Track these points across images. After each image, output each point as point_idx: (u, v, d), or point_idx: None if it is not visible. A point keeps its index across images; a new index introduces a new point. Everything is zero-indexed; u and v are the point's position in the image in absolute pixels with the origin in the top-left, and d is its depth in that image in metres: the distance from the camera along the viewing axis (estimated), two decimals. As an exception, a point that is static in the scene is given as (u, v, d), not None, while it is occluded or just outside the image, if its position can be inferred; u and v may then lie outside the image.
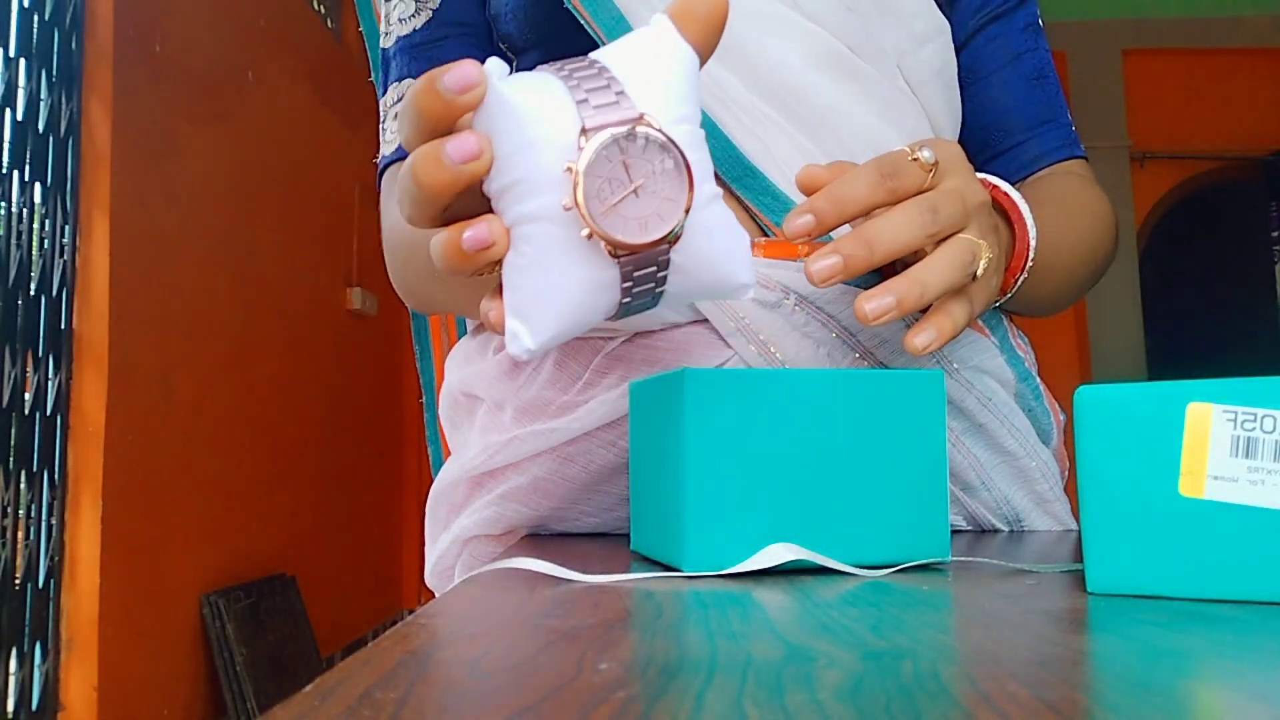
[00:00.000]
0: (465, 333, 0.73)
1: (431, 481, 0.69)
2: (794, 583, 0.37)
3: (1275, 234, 4.53)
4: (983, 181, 0.51)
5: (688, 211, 0.35)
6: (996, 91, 0.68)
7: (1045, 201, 0.60)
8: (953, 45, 0.66)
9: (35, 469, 1.95)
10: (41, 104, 1.99)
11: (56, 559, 1.97)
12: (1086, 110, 4.21)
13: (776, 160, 0.57)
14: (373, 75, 0.73)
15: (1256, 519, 0.31)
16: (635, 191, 0.34)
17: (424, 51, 0.65)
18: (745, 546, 0.39)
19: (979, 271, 0.45)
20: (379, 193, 0.67)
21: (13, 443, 1.88)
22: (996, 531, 0.59)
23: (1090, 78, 4.34)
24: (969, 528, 0.60)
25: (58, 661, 1.96)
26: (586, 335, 0.58)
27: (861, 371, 0.41)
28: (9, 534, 1.87)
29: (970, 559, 0.43)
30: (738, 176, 0.57)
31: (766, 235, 0.57)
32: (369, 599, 3.63)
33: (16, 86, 1.94)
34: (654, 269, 0.36)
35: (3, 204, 1.92)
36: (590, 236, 0.34)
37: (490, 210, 0.36)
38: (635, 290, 0.36)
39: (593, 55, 0.37)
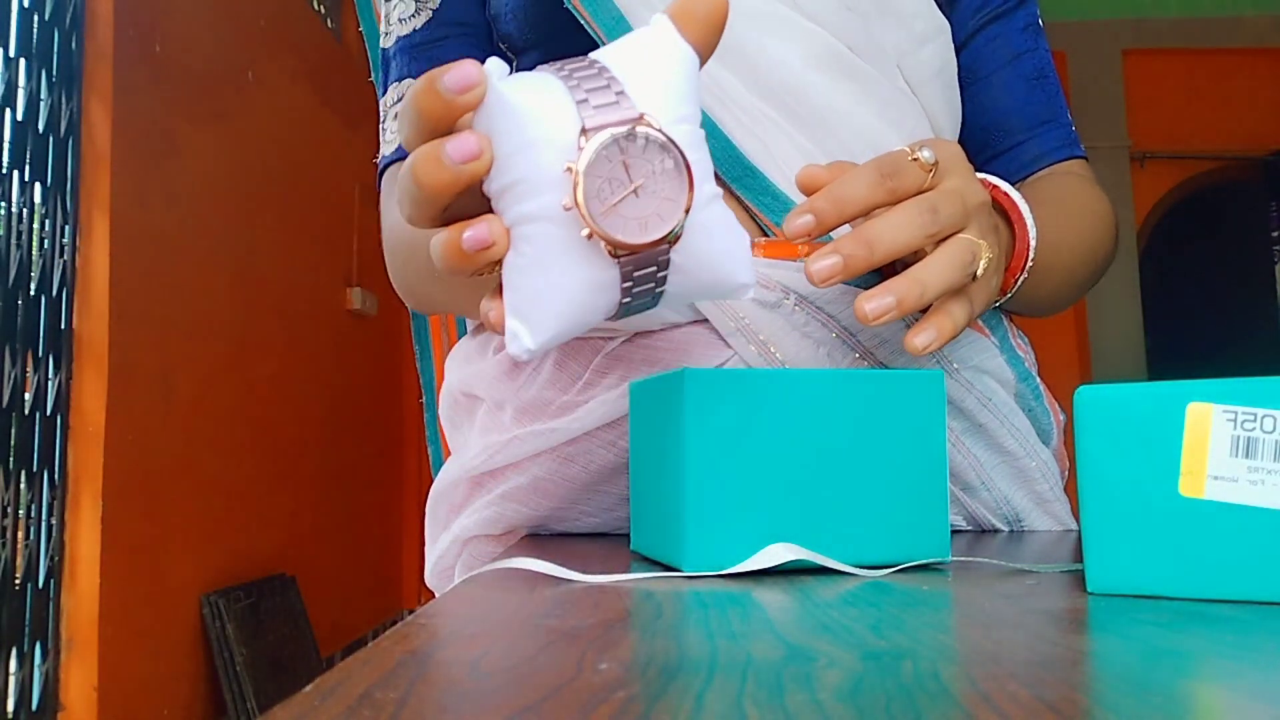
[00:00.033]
0: (465, 333, 0.73)
1: (431, 481, 0.69)
2: (794, 583, 0.37)
3: (1275, 234, 4.53)
4: (983, 181, 0.51)
5: (688, 211, 0.35)
6: (996, 91, 0.68)
7: (1045, 201, 0.60)
8: (953, 45, 0.66)
9: (35, 469, 1.95)
10: (41, 104, 1.99)
11: (56, 559, 1.97)
12: (1086, 110, 4.21)
13: (776, 160, 0.57)
14: (373, 75, 0.73)
15: (1256, 519, 0.31)
16: (635, 191, 0.34)
17: (424, 52, 0.65)
18: (745, 546, 0.39)
19: (979, 271, 0.45)
20: (379, 193, 0.67)
21: (13, 443, 1.89)
22: (996, 531, 0.59)
23: (1090, 78, 4.34)
24: (969, 528, 0.60)
25: (58, 661, 1.96)
26: (586, 335, 0.58)
27: (861, 371, 0.41)
28: (9, 534, 1.87)
29: (970, 559, 0.43)
30: (738, 176, 0.57)
31: (766, 235, 0.57)
32: (369, 599, 3.63)
33: (16, 86, 1.94)
34: (654, 269, 0.36)
35: (3, 204, 1.92)
36: (590, 236, 0.34)
37: (490, 210, 0.36)
38: (635, 290, 0.36)
39: (593, 55, 0.37)
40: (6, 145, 1.92)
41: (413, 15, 0.65)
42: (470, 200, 0.36)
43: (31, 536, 1.93)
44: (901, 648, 0.25)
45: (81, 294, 2.05)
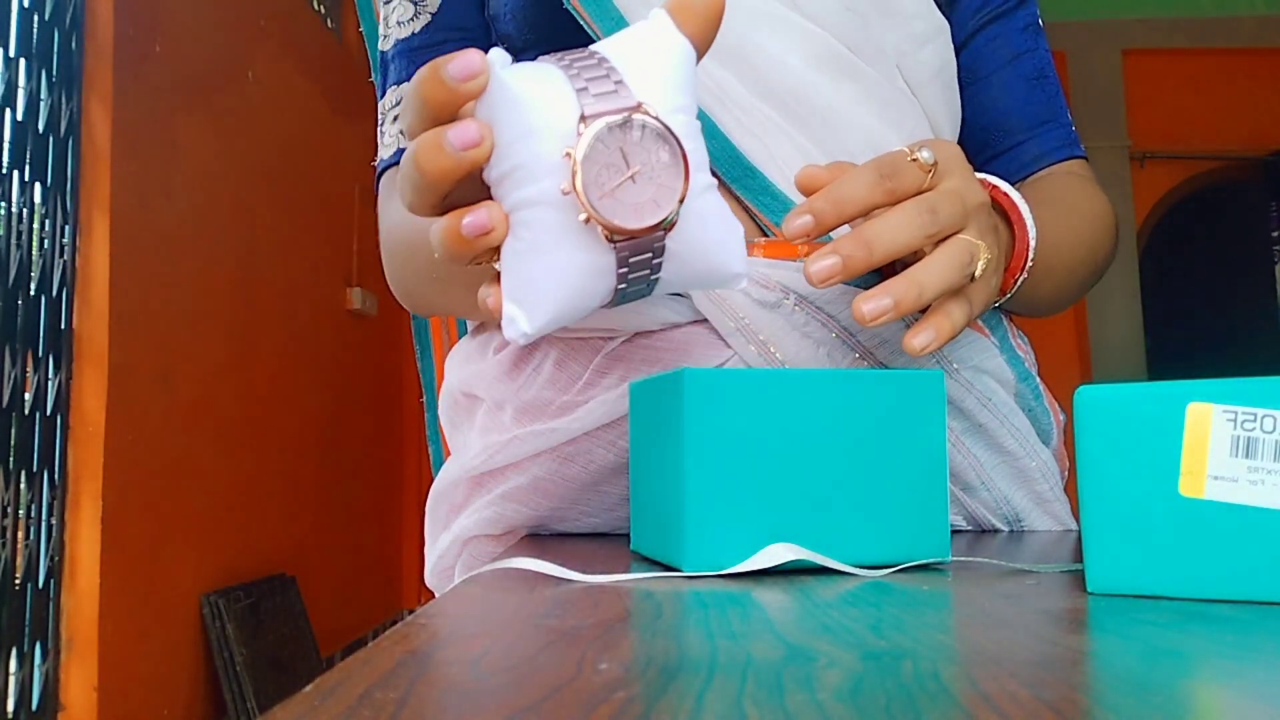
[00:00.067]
0: (465, 333, 0.73)
1: (431, 481, 0.69)
2: (794, 583, 0.37)
3: (1275, 234, 4.53)
4: (982, 182, 0.51)
5: (683, 199, 0.36)
6: (996, 92, 0.68)
7: (1045, 201, 0.60)
8: (952, 46, 0.66)
9: (35, 469, 1.94)
10: (41, 104, 1.99)
11: (56, 559, 1.97)
12: (1086, 110, 4.21)
13: (776, 160, 0.57)
14: (373, 76, 0.73)
15: (1256, 519, 0.31)
16: (632, 178, 0.35)
17: (422, 55, 0.65)
18: (745, 546, 0.39)
19: (978, 272, 0.46)
20: (377, 196, 0.67)
21: (13, 443, 1.88)
22: (996, 531, 0.59)
23: (1090, 78, 4.34)
24: (969, 528, 0.60)
25: (58, 661, 1.96)
26: (586, 335, 0.58)
27: (861, 371, 0.41)
28: (9, 534, 1.87)
29: (970, 559, 0.43)
30: (737, 176, 0.57)
31: (766, 235, 0.57)
32: (369, 599, 3.63)
33: (16, 86, 1.94)
34: (649, 255, 0.37)
35: (3, 204, 1.92)
36: (588, 221, 0.35)
37: (490, 199, 0.36)
38: (631, 276, 0.37)
39: (592, 47, 0.37)
40: (6, 145, 1.92)
41: (411, 19, 0.65)
42: (470, 189, 0.37)
43: (31, 536, 1.93)
44: (901, 648, 0.25)
45: (81, 294, 2.05)
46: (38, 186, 1.99)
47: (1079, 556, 0.44)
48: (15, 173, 1.93)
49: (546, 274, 0.36)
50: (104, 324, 2.05)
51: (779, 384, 0.40)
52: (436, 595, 0.44)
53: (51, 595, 1.96)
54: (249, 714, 2.31)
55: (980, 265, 0.45)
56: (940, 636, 0.26)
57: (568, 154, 0.34)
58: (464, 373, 0.65)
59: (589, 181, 0.34)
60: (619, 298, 0.38)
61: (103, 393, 2.03)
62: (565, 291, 0.37)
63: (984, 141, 0.69)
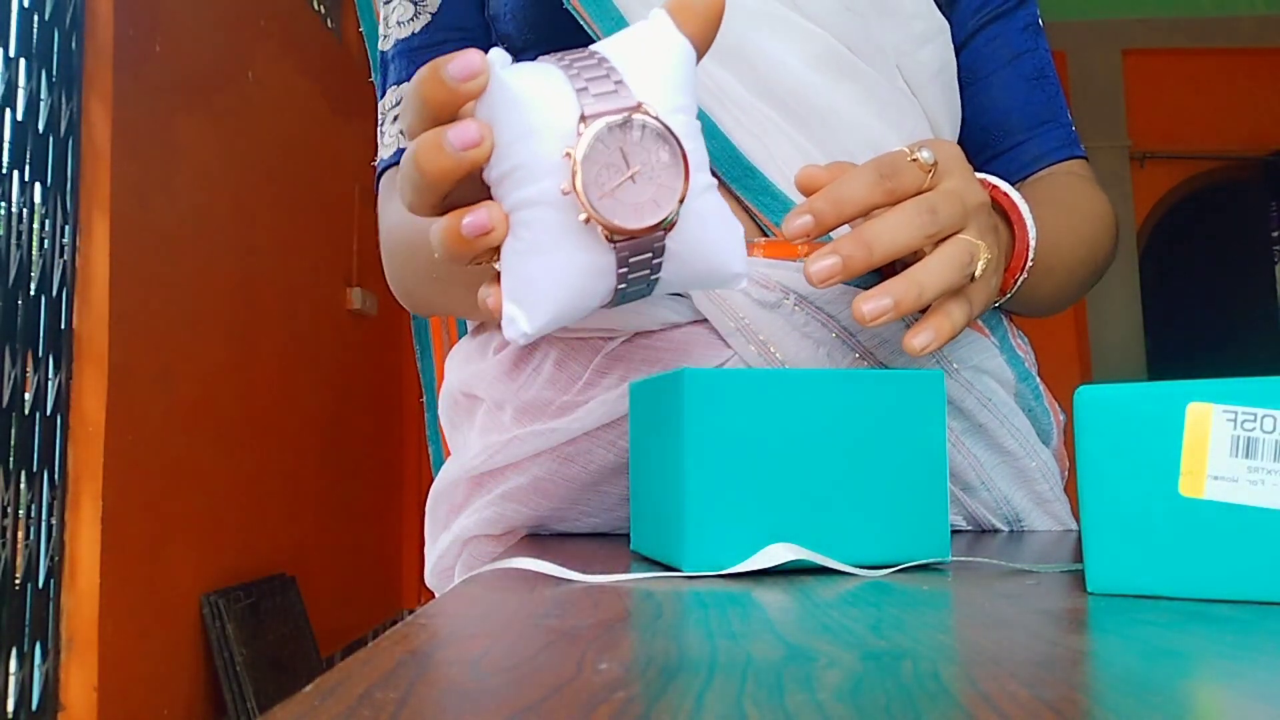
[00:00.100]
0: (465, 333, 0.73)
1: (431, 481, 0.69)
2: (794, 583, 0.37)
3: (1275, 234, 4.53)
4: (982, 182, 0.51)
5: (683, 199, 0.36)
6: (996, 92, 0.68)
7: (1045, 201, 0.60)
8: (952, 46, 0.66)
9: (35, 469, 1.94)
10: (41, 104, 1.99)
11: (56, 559, 1.97)
12: (1086, 110, 4.21)
13: (776, 160, 0.57)
14: (373, 76, 0.73)
15: (1256, 519, 0.31)
16: (632, 177, 0.35)
17: (422, 55, 0.65)
18: (745, 546, 0.39)
19: (977, 272, 0.46)
20: (377, 196, 0.67)
21: (13, 443, 1.88)
22: (996, 531, 0.59)
23: (1090, 78, 4.34)
24: (969, 528, 0.60)
25: (58, 661, 1.96)
26: (586, 335, 0.58)
27: (861, 371, 0.41)
28: (9, 534, 1.87)
29: (970, 559, 0.43)
30: (737, 176, 0.57)
31: (766, 235, 0.57)
32: (369, 599, 3.63)
33: (16, 86, 1.94)
34: (649, 255, 0.37)
35: (3, 204, 1.92)
36: (588, 221, 0.35)
37: (490, 199, 0.36)
38: (631, 276, 0.37)
39: (592, 47, 0.37)
40: (6, 145, 1.92)
41: (411, 19, 0.65)
42: (470, 189, 0.37)
43: (31, 536, 1.93)
44: (901, 648, 0.25)
45: (81, 294, 2.05)
46: (38, 186, 1.99)
47: (1079, 556, 0.44)
48: (15, 173, 1.93)
49: (546, 274, 0.36)
50: (104, 324, 2.05)
51: (779, 384, 0.40)
52: (436, 595, 0.44)
53: (51, 595, 1.96)
54: (249, 714, 2.31)
55: (980, 265, 0.45)
56: (940, 636, 0.26)
57: (568, 154, 0.34)
58: (464, 373, 0.65)
59: (589, 181, 0.34)
60: (619, 298, 0.38)
61: (103, 393, 2.03)
62: (565, 291, 0.37)
63: (984, 141, 0.69)
